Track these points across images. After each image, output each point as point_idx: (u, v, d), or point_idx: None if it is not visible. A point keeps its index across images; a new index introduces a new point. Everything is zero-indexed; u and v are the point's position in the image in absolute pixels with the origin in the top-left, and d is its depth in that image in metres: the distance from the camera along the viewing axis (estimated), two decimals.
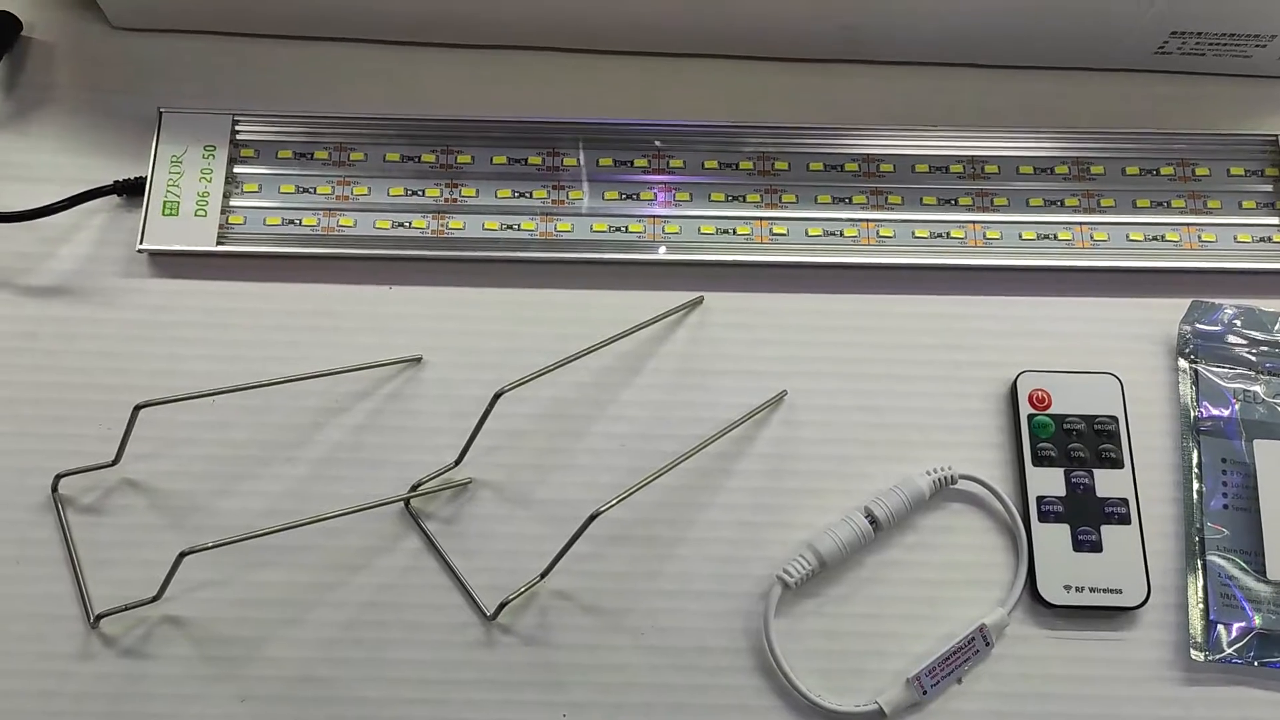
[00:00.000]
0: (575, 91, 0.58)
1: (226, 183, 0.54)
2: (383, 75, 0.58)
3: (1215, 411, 0.52)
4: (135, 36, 0.58)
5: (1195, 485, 0.51)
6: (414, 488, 0.50)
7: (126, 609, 0.47)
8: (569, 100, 0.58)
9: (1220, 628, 0.48)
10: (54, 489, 0.50)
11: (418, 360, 0.53)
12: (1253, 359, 0.53)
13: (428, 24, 0.57)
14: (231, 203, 0.54)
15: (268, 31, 0.58)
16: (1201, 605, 0.49)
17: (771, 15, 0.55)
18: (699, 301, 0.55)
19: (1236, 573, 0.49)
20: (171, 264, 0.54)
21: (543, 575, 0.48)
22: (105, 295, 0.53)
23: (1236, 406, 0.52)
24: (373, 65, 0.58)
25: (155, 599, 0.47)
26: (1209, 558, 0.49)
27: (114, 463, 0.50)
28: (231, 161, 0.55)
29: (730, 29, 0.57)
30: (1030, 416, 0.52)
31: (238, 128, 0.55)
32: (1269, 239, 0.55)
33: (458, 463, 0.51)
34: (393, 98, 0.57)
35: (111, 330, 0.53)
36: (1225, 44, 0.56)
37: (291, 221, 0.54)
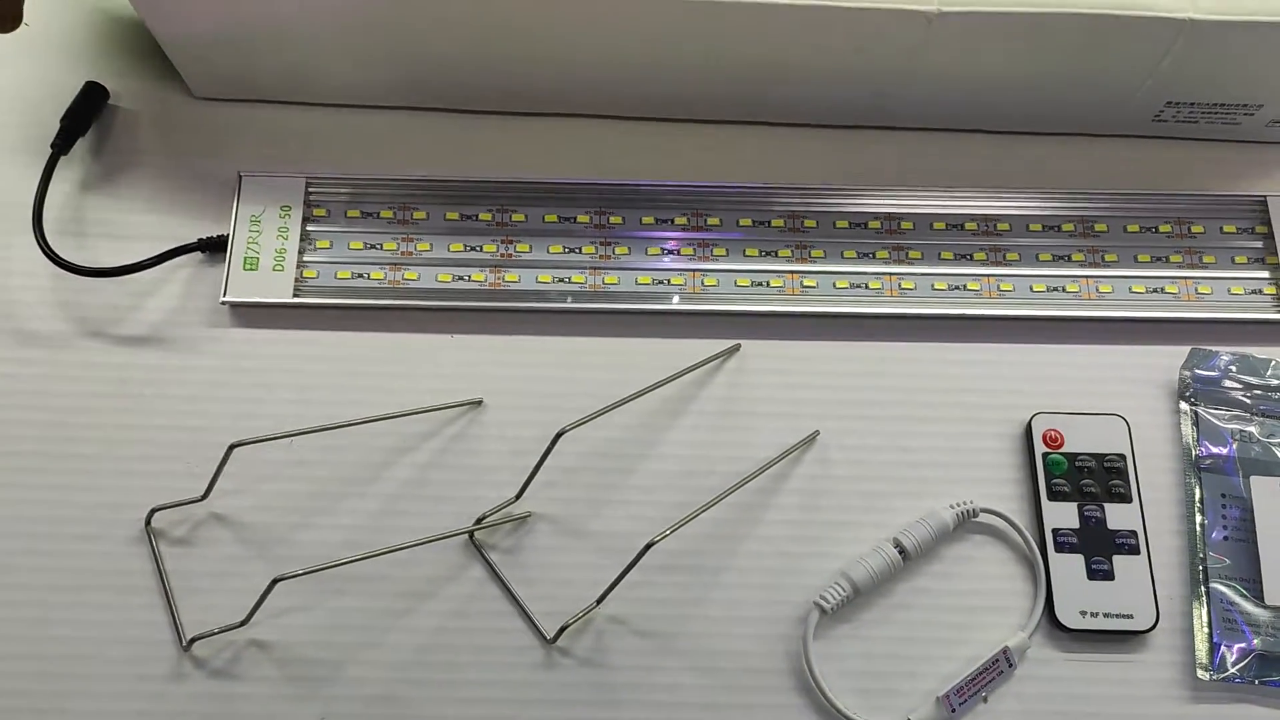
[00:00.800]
0: (621, 155, 0.62)
1: (301, 240, 0.59)
2: (443, 141, 0.62)
3: (1215, 450, 0.56)
4: (215, 106, 0.62)
5: (1198, 518, 0.55)
6: (478, 521, 0.54)
7: (218, 633, 0.51)
8: (615, 163, 0.62)
9: (1224, 649, 0.52)
10: (148, 523, 0.54)
11: (478, 403, 0.57)
12: (1248, 402, 0.57)
13: (484, 94, 0.62)
14: (306, 258, 0.59)
15: (338, 101, 0.62)
16: (1206, 629, 0.53)
17: (809, 87, 0.60)
18: (736, 349, 0.59)
19: (1237, 599, 0.53)
20: (251, 315, 0.58)
21: (599, 601, 0.52)
22: (190, 344, 0.57)
23: (1234, 446, 0.56)
24: (434, 132, 0.62)
25: (244, 623, 0.51)
26: (1212, 585, 0.54)
27: (203, 498, 0.54)
28: (305, 220, 0.59)
29: (767, 99, 0.61)
30: (1045, 455, 0.56)
31: (311, 189, 0.60)
32: (1260, 291, 0.60)
33: (518, 497, 0.55)
34: (452, 161, 0.61)
35: (197, 376, 0.57)
36: (1216, 112, 0.61)
37: (360, 275, 0.59)
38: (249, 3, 0.55)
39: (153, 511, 0.54)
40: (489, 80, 0.61)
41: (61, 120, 0.60)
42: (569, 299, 0.58)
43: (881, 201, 0.61)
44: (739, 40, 0.56)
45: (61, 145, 0.59)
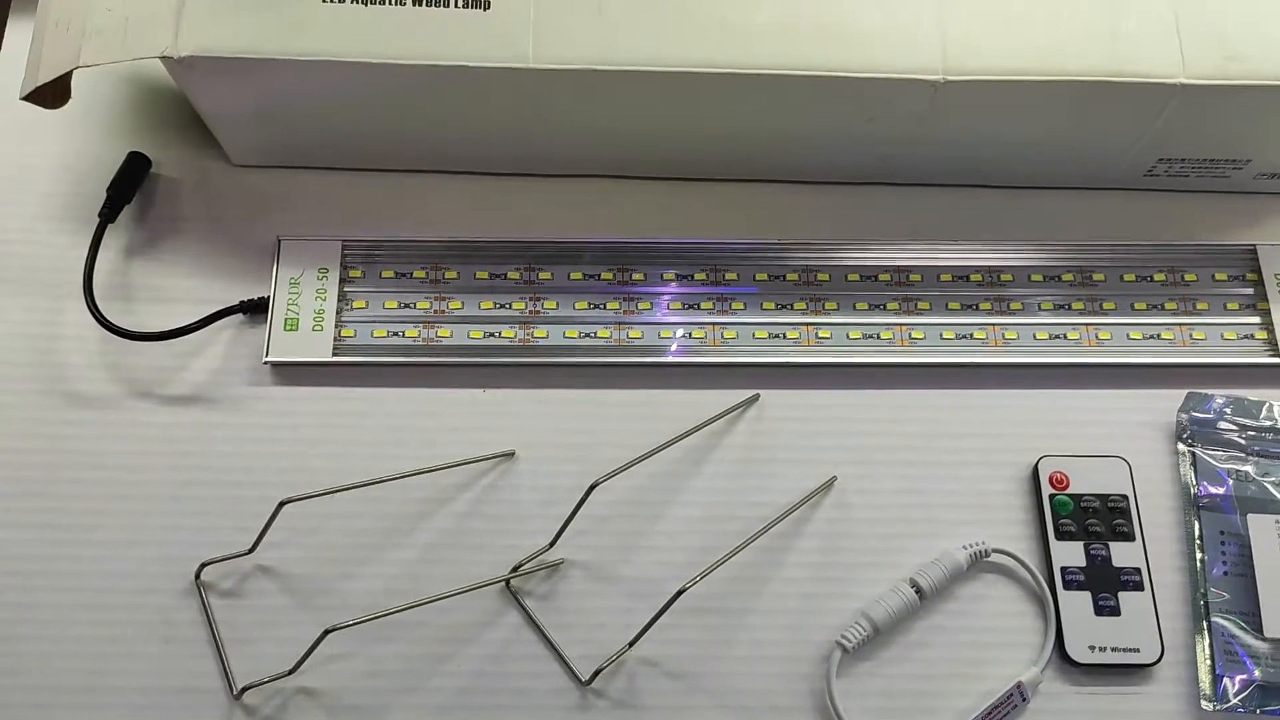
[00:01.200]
0: (642, 214, 0.65)
1: (339, 301, 0.62)
2: (472, 203, 0.65)
3: (1212, 490, 0.59)
4: (253, 172, 0.65)
5: (1198, 555, 0.58)
6: (514, 569, 0.57)
7: (268, 681, 0.54)
8: (637, 222, 0.65)
9: (1226, 681, 0.55)
10: (197, 576, 0.56)
11: (511, 455, 0.60)
12: (1243, 443, 0.60)
13: (511, 158, 0.65)
14: (343, 318, 0.61)
15: (370, 166, 0.65)
16: (1209, 661, 0.56)
17: (822, 150, 0.63)
18: (756, 398, 0.62)
19: (1238, 632, 0.56)
20: (292, 373, 0.61)
21: (631, 644, 0.54)
22: (234, 402, 0.60)
23: (1231, 485, 0.59)
24: (463, 194, 0.65)
25: (292, 672, 0.53)
26: (1213, 619, 0.56)
27: (250, 551, 0.56)
28: (342, 282, 0.62)
29: (781, 161, 0.65)
30: (1051, 496, 0.59)
31: (347, 252, 0.63)
32: (1251, 336, 0.63)
33: (552, 545, 0.57)
34: (481, 223, 0.64)
35: (241, 433, 0.59)
36: (1206, 167, 0.64)
37: (395, 334, 0.62)
38: (283, 79, 0.57)
39: (202, 566, 0.56)
40: (516, 146, 0.64)
41: (107, 190, 0.63)
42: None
43: (891, 255, 0.64)
44: (756, 109, 0.59)
45: (108, 214, 0.62)
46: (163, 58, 0.56)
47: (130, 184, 0.64)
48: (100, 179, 0.63)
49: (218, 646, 0.55)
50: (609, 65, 0.56)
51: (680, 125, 0.61)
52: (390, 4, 0.56)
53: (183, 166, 0.66)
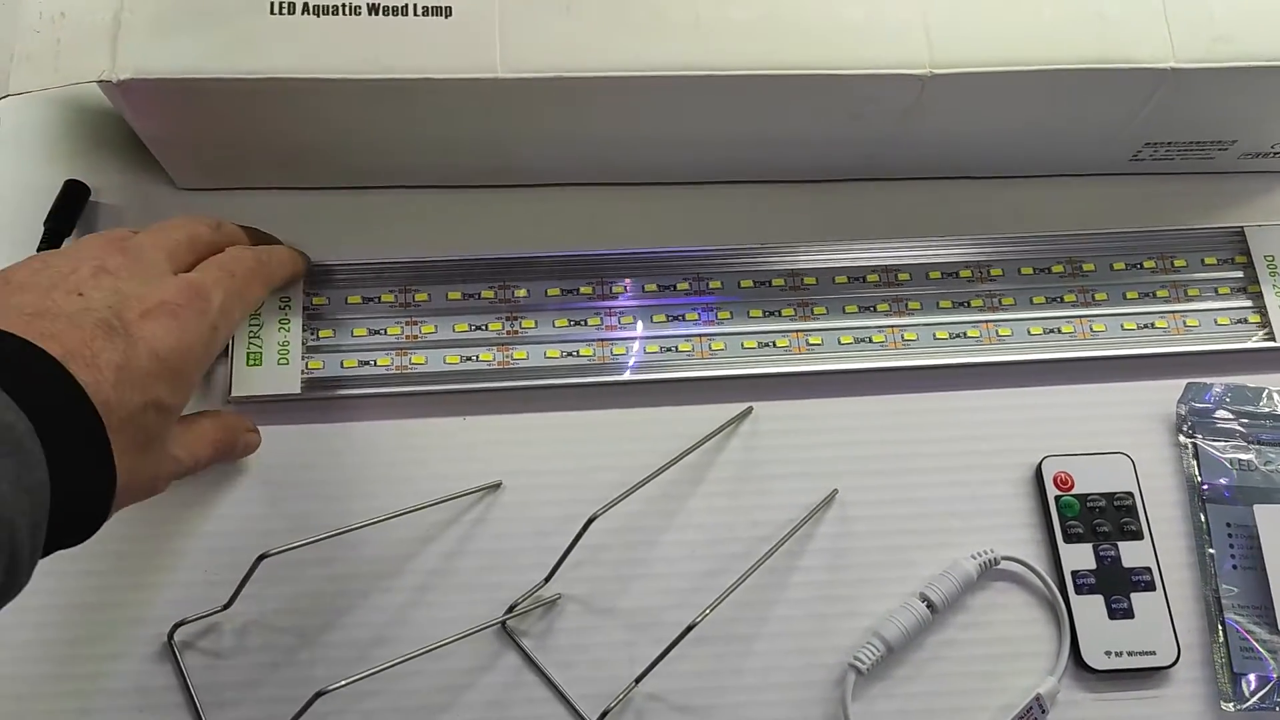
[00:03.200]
0: (618, 222, 0.62)
1: (303, 331, 0.58)
2: (440, 219, 0.61)
3: (1216, 481, 0.58)
4: (201, 196, 0.61)
5: (1207, 550, 0.57)
6: (510, 608, 0.54)
7: None
8: (613, 231, 0.62)
9: (1244, 680, 0.54)
10: (170, 637, 0.53)
11: (497, 486, 0.57)
12: (1244, 431, 0.59)
13: (480, 170, 0.61)
14: (309, 349, 0.58)
15: (327, 185, 0.61)
16: (1225, 660, 0.55)
17: (806, 150, 0.61)
18: (749, 412, 0.59)
19: (1253, 627, 0.55)
20: (258, 411, 0.57)
21: (638, 680, 0.52)
22: None
23: (1235, 475, 0.58)
24: (429, 210, 0.61)
25: None
26: (1227, 616, 0.55)
27: (225, 607, 0.53)
28: (306, 310, 0.58)
29: (763, 162, 0.62)
30: (1057, 497, 0.57)
31: (308, 277, 0.59)
32: (1245, 320, 0.62)
33: (547, 581, 0.54)
34: (450, 239, 0.60)
35: (207, 478, 0.56)
36: (1192, 149, 0.63)
37: (366, 363, 0.58)
38: (231, 99, 0.53)
39: (175, 626, 0.53)
40: (484, 158, 0.60)
41: (45, 223, 0.58)
42: None
43: (877, 254, 0.62)
44: (736, 111, 0.56)
45: (47, 248, 0.58)
46: (100, 82, 0.51)
47: (69, 214, 0.59)
48: (37, 210, 0.59)
49: (197, 711, 0.52)
50: (580, 72, 0.53)
51: (657, 130, 0.58)
52: (344, 14, 0.53)
53: (124, 192, 0.61)
